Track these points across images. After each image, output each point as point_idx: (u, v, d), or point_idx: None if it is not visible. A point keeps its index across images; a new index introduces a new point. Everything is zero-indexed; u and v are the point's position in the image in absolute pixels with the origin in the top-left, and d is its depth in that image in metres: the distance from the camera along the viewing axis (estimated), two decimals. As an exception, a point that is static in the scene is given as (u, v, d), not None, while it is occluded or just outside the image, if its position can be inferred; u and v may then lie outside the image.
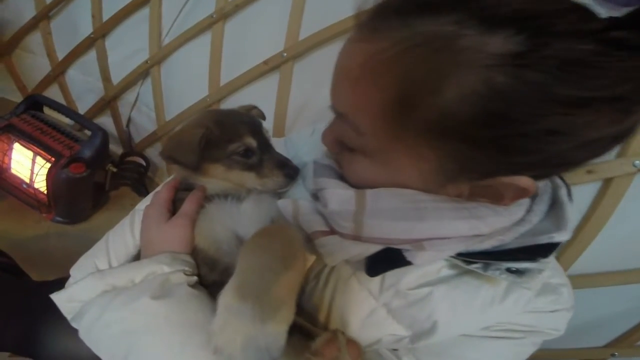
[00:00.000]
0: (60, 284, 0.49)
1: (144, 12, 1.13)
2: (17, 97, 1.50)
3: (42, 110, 1.31)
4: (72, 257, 0.53)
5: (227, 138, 0.48)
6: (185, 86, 1.15)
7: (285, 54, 0.95)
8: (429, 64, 0.27)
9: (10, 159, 1.24)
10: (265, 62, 0.98)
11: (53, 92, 1.43)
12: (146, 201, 0.54)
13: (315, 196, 0.44)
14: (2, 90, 1.59)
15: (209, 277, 0.44)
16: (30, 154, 1.20)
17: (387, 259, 0.37)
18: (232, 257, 0.43)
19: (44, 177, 1.18)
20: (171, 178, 0.53)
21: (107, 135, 1.24)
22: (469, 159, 0.30)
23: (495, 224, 0.35)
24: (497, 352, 0.40)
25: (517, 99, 0.25)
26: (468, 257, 0.36)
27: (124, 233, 0.52)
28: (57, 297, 0.43)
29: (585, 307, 0.63)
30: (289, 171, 0.50)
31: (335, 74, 0.35)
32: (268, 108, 0.60)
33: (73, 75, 1.38)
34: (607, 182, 0.68)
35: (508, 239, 0.35)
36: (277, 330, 0.29)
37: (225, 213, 0.46)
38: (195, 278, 0.42)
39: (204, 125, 0.48)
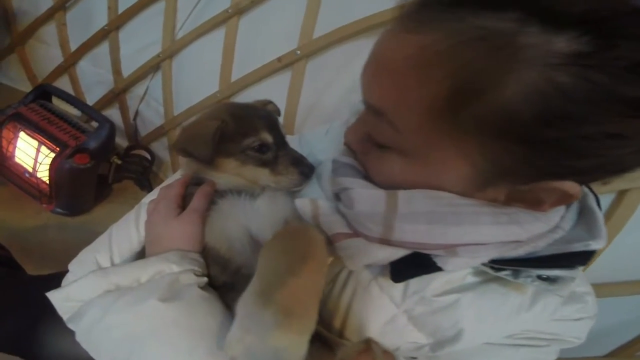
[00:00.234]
0: (57, 279, 0.47)
1: (159, 6, 1.13)
2: (27, 87, 1.50)
3: (50, 100, 1.31)
4: (71, 250, 0.51)
5: (243, 132, 0.47)
6: (196, 81, 1.15)
7: (298, 52, 0.94)
8: (488, 60, 0.26)
9: (15, 147, 1.24)
10: (278, 59, 0.98)
11: (63, 83, 1.43)
12: (153, 194, 0.51)
13: (337, 196, 0.42)
14: (12, 80, 1.60)
15: (219, 278, 0.41)
16: (35, 143, 1.19)
17: (415, 265, 0.35)
18: (244, 257, 0.41)
19: (48, 166, 1.17)
20: (180, 174, 0.51)
21: (114, 127, 1.23)
22: (519, 161, 0.29)
23: (534, 230, 0.34)
24: None
25: (581, 99, 0.25)
26: (498, 264, 0.34)
27: (129, 227, 0.49)
28: (54, 296, 0.40)
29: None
30: (304, 169, 0.48)
31: (372, 67, 0.33)
32: (278, 106, 0.60)
33: (84, 66, 1.39)
34: (622, 193, 0.68)
35: (541, 246, 0.34)
36: (299, 340, 0.27)
37: (239, 210, 0.44)
38: (205, 279, 0.40)
39: (219, 118, 0.46)
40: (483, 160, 0.30)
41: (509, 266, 0.34)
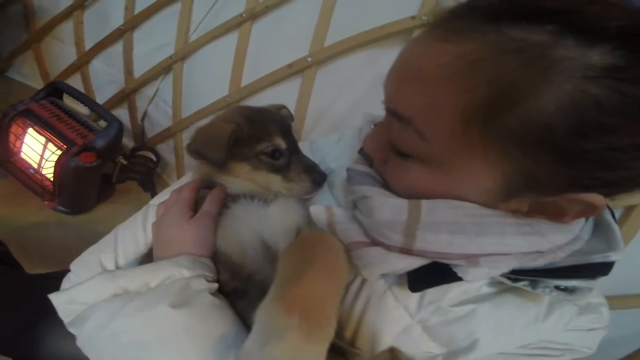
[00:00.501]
0: (57, 278, 0.46)
1: (175, 8, 1.15)
2: (39, 84, 1.52)
3: (61, 98, 1.32)
4: (70, 249, 0.50)
5: (257, 137, 0.46)
6: (206, 84, 1.16)
7: (309, 59, 0.95)
8: (524, 71, 0.26)
9: (22, 142, 1.24)
10: (289, 66, 0.98)
11: (74, 82, 1.44)
12: (162, 196, 0.51)
13: (353, 204, 0.41)
14: (25, 76, 1.62)
15: (230, 284, 0.41)
16: (43, 139, 1.20)
17: (434, 274, 0.35)
18: (256, 264, 0.40)
19: (53, 163, 1.17)
20: (191, 177, 0.50)
21: (122, 127, 1.24)
22: (549, 172, 0.29)
23: (556, 241, 0.34)
24: None
25: (614, 111, 0.25)
26: (516, 274, 0.34)
27: (135, 229, 0.49)
28: (57, 298, 0.39)
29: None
30: (316, 177, 0.47)
31: (400, 75, 0.33)
32: (289, 111, 0.60)
33: (96, 65, 1.40)
34: (629, 209, 0.69)
35: (561, 257, 0.33)
36: (319, 350, 0.27)
37: (252, 215, 0.44)
38: (216, 285, 0.39)
39: (234, 121, 0.46)
40: (512, 171, 0.30)
41: (526, 276, 0.34)
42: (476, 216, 0.33)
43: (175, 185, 0.52)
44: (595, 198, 0.29)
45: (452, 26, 0.30)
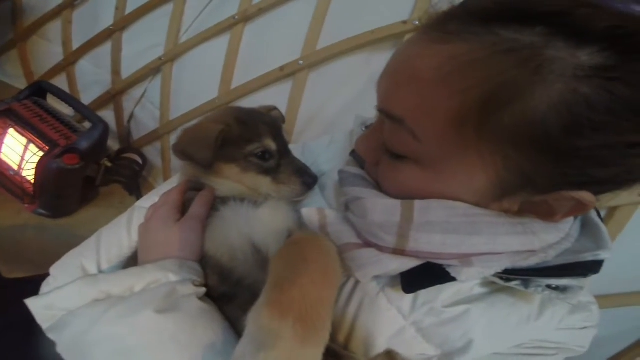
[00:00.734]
0: (34, 283, 0.45)
1: (165, 9, 1.14)
2: (23, 84, 1.48)
3: (45, 98, 1.29)
4: (49, 253, 0.49)
5: (247, 138, 0.46)
6: (195, 86, 1.14)
7: (301, 62, 0.95)
8: (517, 71, 0.27)
9: (2, 143, 1.20)
10: (280, 68, 0.98)
11: (60, 83, 1.41)
12: (148, 198, 0.51)
13: (346, 206, 0.41)
14: (8, 76, 1.58)
15: (218, 289, 0.39)
16: (24, 140, 1.16)
17: (427, 275, 0.35)
18: (246, 267, 0.39)
19: (34, 165, 1.13)
20: (178, 179, 0.49)
21: (108, 129, 1.21)
22: (542, 171, 0.29)
23: (548, 239, 0.34)
24: None
25: (604, 110, 0.26)
26: (508, 274, 0.34)
27: (120, 232, 0.47)
28: (34, 303, 0.36)
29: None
30: (307, 179, 0.47)
31: (394, 76, 0.34)
32: (280, 114, 0.60)
33: (83, 65, 1.38)
34: (612, 210, 0.71)
35: (552, 256, 0.34)
36: (315, 354, 0.26)
37: (242, 217, 0.43)
38: (203, 289, 0.38)
39: (223, 122, 0.46)
40: (505, 170, 0.30)
41: (518, 276, 0.34)
42: (469, 216, 0.33)
43: (162, 187, 0.51)
44: (586, 196, 0.30)
45: (446, 28, 0.30)
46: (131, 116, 1.33)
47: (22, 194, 1.19)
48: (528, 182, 0.30)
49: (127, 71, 1.27)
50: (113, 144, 1.39)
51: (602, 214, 0.71)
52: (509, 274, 0.34)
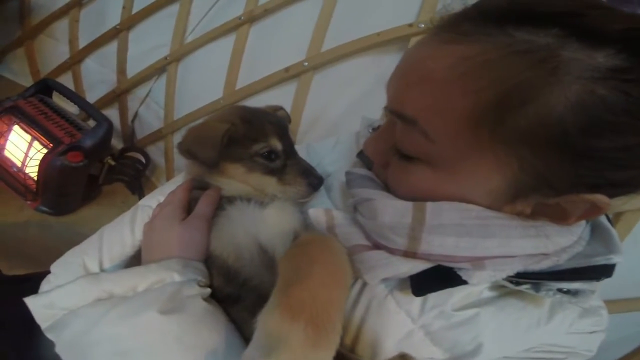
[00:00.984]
0: (35, 280, 0.44)
1: (172, 9, 1.14)
2: (28, 82, 1.49)
3: (51, 96, 1.29)
4: (50, 251, 0.48)
5: (252, 137, 0.45)
6: (200, 86, 1.14)
7: (306, 63, 0.95)
8: (533, 72, 0.27)
9: (6, 140, 1.20)
10: (285, 70, 0.98)
11: (66, 81, 1.42)
12: (152, 197, 0.50)
13: (354, 208, 0.41)
14: (15, 74, 1.59)
15: (224, 290, 0.39)
16: (28, 137, 1.16)
17: (437, 278, 0.34)
18: (253, 268, 0.39)
19: (38, 162, 1.13)
20: (183, 177, 0.49)
21: (112, 127, 1.21)
22: (556, 172, 0.29)
23: (561, 243, 0.34)
24: None
25: (621, 111, 0.26)
26: (519, 277, 0.34)
27: (123, 230, 0.47)
28: (33, 302, 0.36)
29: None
30: (313, 180, 0.46)
31: (405, 77, 0.34)
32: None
33: (89, 64, 1.38)
34: (617, 216, 0.71)
35: (564, 259, 0.33)
36: (326, 357, 0.26)
37: (248, 217, 0.42)
38: (208, 290, 0.38)
39: (229, 121, 0.45)
40: (520, 171, 0.30)
41: (529, 279, 0.34)
42: (482, 218, 0.33)
43: (166, 186, 0.51)
44: (600, 199, 0.29)
45: (459, 29, 0.30)
46: (135, 115, 1.33)
47: (24, 190, 1.19)
48: (543, 184, 0.30)
49: (132, 70, 1.27)
50: (117, 143, 1.39)
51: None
52: (519, 278, 0.34)
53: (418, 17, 0.81)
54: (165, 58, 1.17)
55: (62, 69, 1.43)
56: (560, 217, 0.32)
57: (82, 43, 1.36)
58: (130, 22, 1.23)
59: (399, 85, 0.34)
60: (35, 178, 1.15)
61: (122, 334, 0.33)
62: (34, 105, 1.21)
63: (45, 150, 1.12)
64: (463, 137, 0.30)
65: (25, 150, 1.16)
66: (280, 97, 0.99)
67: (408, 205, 0.35)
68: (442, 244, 0.33)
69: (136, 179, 1.31)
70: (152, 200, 0.49)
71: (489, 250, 0.33)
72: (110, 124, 1.20)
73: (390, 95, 0.35)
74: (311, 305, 0.27)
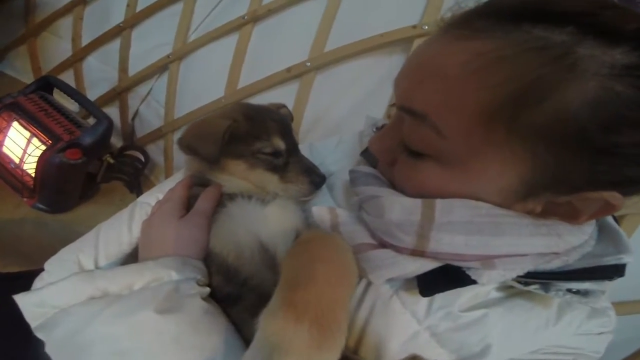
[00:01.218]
0: (28, 278, 0.43)
1: (175, 8, 1.14)
2: (30, 79, 1.49)
3: (52, 93, 1.29)
4: (46, 249, 0.47)
5: (255, 134, 0.45)
6: (201, 86, 1.14)
7: (309, 64, 0.94)
8: (549, 68, 0.27)
9: (5, 136, 1.19)
10: (287, 70, 0.98)
11: (67, 79, 1.41)
12: (151, 194, 0.49)
13: (359, 206, 0.40)
14: (17, 71, 1.59)
15: (223, 289, 0.38)
16: (27, 134, 1.16)
17: (445, 278, 0.33)
18: (253, 267, 0.38)
19: (36, 159, 1.12)
20: (183, 174, 0.48)
21: (112, 125, 1.20)
22: (570, 169, 0.29)
23: (572, 242, 0.33)
24: None
25: (636, 107, 0.26)
26: (528, 277, 0.33)
27: (120, 227, 0.46)
28: (24, 300, 0.35)
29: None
30: (315, 178, 0.46)
31: (415, 73, 0.33)
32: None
33: (91, 62, 1.38)
34: (620, 218, 0.69)
35: (574, 259, 0.33)
36: (331, 358, 0.25)
37: (249, 214, 0.42)
38: (207, 289, 0.37)
39: (231, 117, 0.45)
40: (534, 168, 0.29)
41: (538, 279, 0.33)
42: (492, 216, 0.32)
43: (165, 183, 0.50)
44: (614, 196, 0.29)
45: (472, 26, 0.30)
46: (136, 113, 1.33)
47: (21, 187, 1.18)
48: (556, 181, 0.30)
49: (134, 69, 1.27)
50: (116, 141, 1.38)
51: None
52: (528, 278, 0.33)
53: (422, 19, 0.81)
54: (168, 56, 1.17)
55: (64, 66, 1.43)
56: (571, 216, 0.32)
57: (86, 41, 1.36)
58: (134, 20, 1.23)
59: (409, 81, 0.34)
60: (33, 175, 1.14)
61: (117, 333, 0.32)
62: (34, 102, 1.21)
63: (43, 147, 1.11)
64: (476, 132, 0.29)
65: (23, 146, 1.15)
66: (282, 97, 0.97)
67: (416, 202, 0.34)
68: (451, 242, 0.32)
69: (135, 178, 1.30)
70: (150, 198, 0.48)
71: (500, 249, 0.32)
72: (110, 122, 1.19)
73: (399, 91, 0.35)
74: (316, 305, 0.26)
